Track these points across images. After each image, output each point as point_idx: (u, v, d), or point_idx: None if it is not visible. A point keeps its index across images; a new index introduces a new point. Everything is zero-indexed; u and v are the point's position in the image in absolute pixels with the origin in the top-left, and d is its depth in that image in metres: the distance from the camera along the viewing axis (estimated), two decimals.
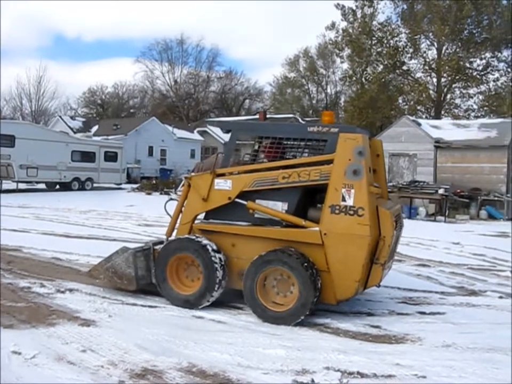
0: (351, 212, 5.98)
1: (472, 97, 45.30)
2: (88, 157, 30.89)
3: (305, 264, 5.97)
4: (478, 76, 43.89)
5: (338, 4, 45.97)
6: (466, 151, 22.61)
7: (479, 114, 43.23)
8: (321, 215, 6.19)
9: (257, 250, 6.32)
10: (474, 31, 43.37)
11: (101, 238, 12.15)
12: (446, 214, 20.31)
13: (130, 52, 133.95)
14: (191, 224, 6.88)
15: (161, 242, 7.17)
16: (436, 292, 7.79)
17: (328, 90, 67.84)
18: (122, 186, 33.96)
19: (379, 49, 45.78)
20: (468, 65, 43.62)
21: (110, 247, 10.73)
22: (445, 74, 43.37)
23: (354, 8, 46.12)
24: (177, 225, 7.11)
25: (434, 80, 44.83)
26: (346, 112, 50.65)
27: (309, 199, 6.61)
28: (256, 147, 6.94)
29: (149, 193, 29.48)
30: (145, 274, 6.87)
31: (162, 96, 73.22)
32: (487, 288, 8.18)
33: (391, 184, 21.89)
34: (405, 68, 45.65)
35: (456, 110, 45.45)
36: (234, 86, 75.94)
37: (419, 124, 24.35)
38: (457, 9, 40.54)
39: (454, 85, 44.83)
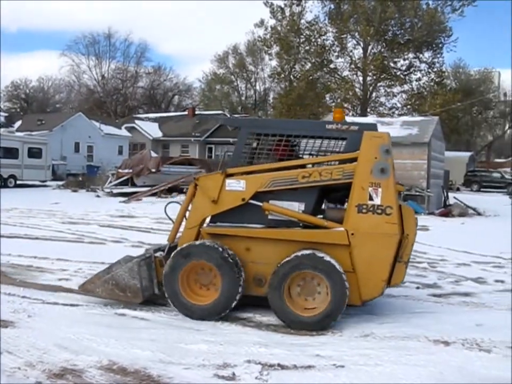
0: (379, 211, 5.85)
1: (396, 96, 47.00)
2: (10, 153, 29.93)
3: (338, 266, 5.77)
4: (401, 76, 45.51)
5: (267, 2, 46.51)
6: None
7: (403, 112, 44.76)
8: (345, 215, 6.02)
9: (275, 253, 6.06)
10: (397, 33, 44.94)
11: (22, 236, 11.83)
12: None
13: (56, 45, 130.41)
14: (198, 229, 6.37)
15: (160, 249, 6.63)
16: None
17: (257, 87, 68.52)
18: (48, 183, 32.92)
19: (307, 47, 46.62)
20: (392, 65, 45.15)
21: (32, 246, 10.57)
22: (370, 73, 44.65)
23: (282, 6, 46.72)
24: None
25: (360, 78, 46.08)
26: (274, 109, 51.26)
27: (323, 199, 6.53)
28: (268, 145, 6.46)
29: (75, 191, 28.79)
30: (148, 285, 6.27)
31: (89, 91, 71.67)
32: (406, 280, 8.47)
33: None
34: (332, 66, 46.70)
35: (381, 108, 46.91)
36: (163, 81, 75.23)
37: None
38: (382, 10, 41.82)
39: (379, 84, 46.24)
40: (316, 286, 5.91)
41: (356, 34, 44.94)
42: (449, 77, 54.63)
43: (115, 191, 26.40)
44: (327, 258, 5.77)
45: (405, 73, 45.72)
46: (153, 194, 24.96)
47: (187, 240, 6.29)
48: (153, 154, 32.82)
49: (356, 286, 5.89)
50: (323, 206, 6.87)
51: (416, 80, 45.95)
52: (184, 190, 24.89)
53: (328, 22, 46.26)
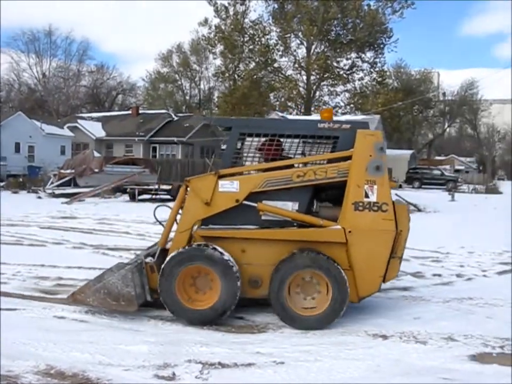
0: (375, 208, 5.90)
1: (339, 95, 47.84)
2: None
3: (337, 264, 5.80)
4: (344, 75, 46.23)
5: (211, 0, 46.36)
6: None
7: (346, 111, 45.51)
8: (340, 213, 6.02)
9: (271, 254, 6.02)
10: (340, 33, 45.64)
11: None
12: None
13: None
14: (191, 232, 6.20)
15: (150, 255, 6.43)
16: None
17: (202, 86, 68.24)
18: None
19: (251, 47, 46.79)
20: (335, 64, 45.81)
21: None
22: (314, 73, 45.18)
23: (226, 5, 46.76)
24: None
25: (304, 77, 46.67)
26: (219, 108, 51.20)
27: (315, 198, 6.48)
28: (260, 145, 6.43)
29: (16, 192, 27.99)
30: (140, 292, 6.02)
31: (30, 90, 69.68)
32: None
33: None
34: (276, 65, 47.00)
35: (324, 107, 47.35)
36: (106, 80, 73.92)
37: None
38: (324, 11, 42.39)
39: (322, 83, 46.89)
40: (316, 285, 5.92)
41: (300, 34, 45.43)
42: (391, 77, 55.85)
43: (57, 192, 25.80)
44: (328, 257, 5.81)
45: (348, 72, 46.57)
46: (96, 195, 24.55)
47: (179, 244, 6.13)
48: (96, 154, 32.28)
49: (353, 283, 5.93)
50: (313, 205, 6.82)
51: (358, 80, 46.99)
52: (128, 190, 24.64)
53: (272, 22, 46.68)
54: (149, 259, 6.23)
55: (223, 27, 47.25)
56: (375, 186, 5.90)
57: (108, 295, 5.95)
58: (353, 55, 46.21)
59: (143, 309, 6.27)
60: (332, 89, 47.48)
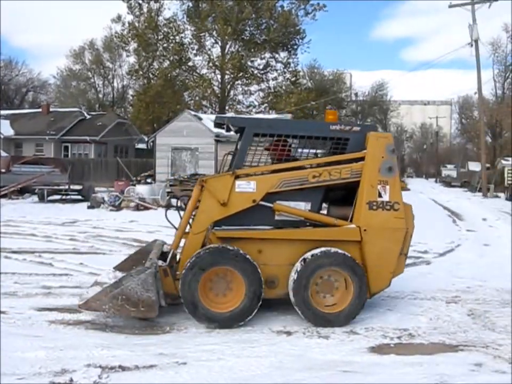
0: (388, 207, 6.14)
1: (253, 94, 48.15)
2: None
3: (358, 262, 5.98)
4: (258, 75, 46.60)
5: None
6: None
7: (260, 110, 45.89)
8: (352, 212, 6.20)
9: (287, 254, 6.08)
10: (254, 33, 45.89)
11: None
12: None
13: None
14: (206, 233, 6.06)
15: (161, 258, 6.29)
16: None
17: (115, 84, 66.68)
18: None
19: (165, 45, 46.30)
20: (249, 64, 46.06)
21: None
22: (228, 72, 45.24)
23: (140, 2, 45.98)
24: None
25: (219, 76, 46.56)
26: (133, 106, 50.38)
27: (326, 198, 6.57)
28: (274, 145, 6.37)
29: None
30: (157, 297, 5.78)
31: None
32: None
33: (173, 177, 22.26)
34: (190, 64, 46.73)
35: (239, 106, 47.75)
36: (15, 76, 70.83)
37: (200, 119, 25.02)
38: (239, 11, 42.57)
39: (236, 82, 47.01)
40: (334, 282, 6.01)
41: (214, 33, 45.36)
42: (305, 77, 56.76)
43: None
44: (350, 255, 5.94)
45: (262, 72, 46.98)
46: (3, 196, 23.51)
47: (194, 246, 6.01)
48: (3, 153, 30.96)
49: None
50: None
51: (272, 79, 47.44)
52: (37, 191, 23.77)
53: (187, 20, 46.32)
54: (160, 262, 6.08)
55: (136, 24, 46.41)
56: (388, 186, 6.17)
57: (127, 301, 5.67)
58: (267, 55, 46.63)
59: (43, 313, 6.05)
60: (246, 88, 47.81)
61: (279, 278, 6.09)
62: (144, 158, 38.58)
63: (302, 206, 6.26)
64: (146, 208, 20.43)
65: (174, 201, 21.43)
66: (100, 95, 67.03)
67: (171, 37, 46.07)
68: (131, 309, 5.68)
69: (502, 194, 35.32)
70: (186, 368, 4.64)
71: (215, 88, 46.32)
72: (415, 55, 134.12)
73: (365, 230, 6.09)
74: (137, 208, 20.33)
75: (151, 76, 48.17)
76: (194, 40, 46.01)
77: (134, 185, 22.70)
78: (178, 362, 4.76)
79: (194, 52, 46.59)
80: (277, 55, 46.85)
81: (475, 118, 61.45)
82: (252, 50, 45.22)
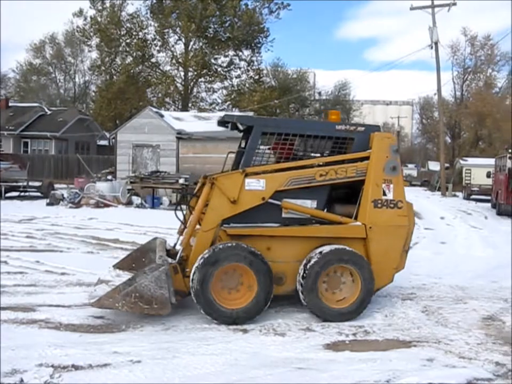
0: (392, 205, 6.37)
1: (216, 92, 47.96)
2: None
3: (365, 259, 6.17)
4: (222, 72, 46.45)
5: None
6: (206, 142, 23.69)
7: (223, 108, 45.77)
8: (356, 210, 6.39)
9: (295, 251, 6.22)
10: (218, 30, 45.69)
11: None
12: (188, 202, 20.85)
13: None
14: (216, 231, 6.11)
15: (172, 254, 6.45)
16: None
17: (77, 80, 65.67)
18: None
19: (128, 41, 45.78)
20: (213, 61, 45.86)
21: None
22: (191, 69, 44.96)
23: None
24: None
25: (182, 74, 46.27)
26: (95, 102, 49.72)
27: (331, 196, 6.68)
28: (281, 144, 6.46)
29: None
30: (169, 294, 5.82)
31: None
32: None
33: (134, 175, 22.04)
34: (153, 60, 46.31)
35: (202, 103, 47.49)
36: None
37: (162, 116, 24.80)
38: (203, 8, 42.30)
39: (200, 79, 46.76)
40: (341, 278, 6.20)
41: (178, 29, 44.98)
42: (268, 75, 56.79)
43: None
44: (357, 251, 6.17)
45: (225, 70, 46.84)
46: None
47: (204, 243, 6.06)
48: None
49: None
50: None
51: (236, 77, 47.34)
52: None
53: (150, 16, 45.86)
54: (170, 260, 6.16)
55: (99, 19, 45.72)
56: (391, 185, 6.41)
57: (140, 298, 5.66)
58: (231, 52, 46.51)
59: None
60: (209, 86, 47.60)
61: (286, 274, 6.22)
62: (106, 155, 38.11)
63: (308, 204, 6.44)
64: (107, 206, 20.19)
65: (134, 198, 21.28)
66: (61, 90, 65.91)
67: (134, 33, 45.58)
68: (144, 306, 5.68)
69: (460, 194, 36.06)
70: (141, 366, 4.60)
71: (178, 85, 46.03)
72: (378, 56, 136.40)
73: (370, 228, 6.32)
74: (97, 205, 20.08)
75: (113, 71, 47.59)
76: (157, 37, 45.57)
77: (95, 182, 22.41)
78: (132, 360, 4.71)
79: (158, 48, 46.19)
80: (240, 53, 46.81)
81: (435, 119, 62.42)
82: (216, 47, 45.04)
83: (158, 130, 23.68)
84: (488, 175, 27.62)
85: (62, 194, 21.35)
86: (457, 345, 5.35)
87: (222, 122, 6.93)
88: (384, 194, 6.39)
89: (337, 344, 5.35)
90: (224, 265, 5.84)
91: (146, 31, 45.90)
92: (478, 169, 35.87)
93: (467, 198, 33.15)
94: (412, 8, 35.68)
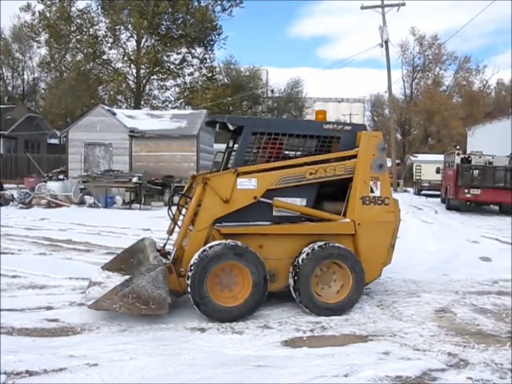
0: (379, 202, 6.55)
1: (169, 89, 47.64)
2: None
3: (355, 254, 6.36)
4: (174, 70, 46.14)
5: None
6: (160, 141, 23.56)
7: (176, 106, 45.53)
8: (344, 207, 6.57)
9: (287, 248, 6.35)
10: (171, 27, 45.37)
11: None
12: (141, 201, 20.92)
13: None
14: (209, 230, 6.17)
15: (162, 254, 6.53)
16: None
17: (26, 76, 64.06)
18: None
19: (78, 37, 44.98)
20: (165, 58, 45.53)
21: None
22: (143, 66, 44.53)
23: None
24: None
25: (134, 71, 45.75)
26: (45, 100, 48.69)
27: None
28: (271, 144, 6.55)
29: None
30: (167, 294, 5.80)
31: None
32: None
33: (86, 174, 21.71)
34: (105, 57, 45.64)
35: (154, 101, 47.09)
36: None
37: (114, 114, 24.48)
38: (155, 5, 41.94)
39: (152, 77, 46.34)
40: (332, 274, 6.36)
41: (129, 26, 44.46)
42: (221, 73, 56.67)
43: None
44: (347, 247, 6.35)
45: (178, 67, 46.56)
46: None
47: (197, 243, 6.11)
48: None
49: None
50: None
51: (188, 75, 47.13)
52: None
53: (101, 12, 45.14)
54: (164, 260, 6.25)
55: (48, 14, 44.71)
56: (379, 182, 6.58)
57: (137, 299, 5.65)
58: (184, 50, 46.24)
59: None
60: (162, 83, 47.19)
61: (279, 271, 6.34)
62: (57, 154, 37.37)
63: (298, 202, 6.55)
64: (59, 206, 19.82)
65: (87, 198, 20.96)
66: (9, 88, 64.17)
67: (85, 29, 44.82)
68: (142, 307, 5.68)
69: (410, 189, 36.82)
70: (98, 369, 4.52)
71: (131, 82, 45.53)
72: (330, 53, 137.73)
73: (358, 224, 6.47)
74: (49, 205, 19.69)
75: (63, 68, 46.69)
76: (109, 33, 44.95)
77: (46, 181, 21.96)
78: (89, 364, 4.62)
79: (109, 45, 45.57)
80: (193, 51, 46.62)
81: (386, 116, 63.56)
82: (168, 45, 44.74)
83: (110, 129, 23.38)
84: (438, 171, 28.35)
85: (12, 195, 20.85)
86: (412, 338, 5.47)
87: (211, 123, 7.09)
88: (372, 191, 6.57)
89: (295, 341, 5.38)
90: (219, 263, 5.91)
91: (97, 27, 45.28)
92: (428, 165, 36.69)
93: (418, 193, 33.94)
94: (363, 8, 36.19)
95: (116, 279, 6.50)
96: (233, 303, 5.97)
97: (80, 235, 12.21)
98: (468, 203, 22.59)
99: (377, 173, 6.60)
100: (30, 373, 4.43)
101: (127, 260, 7.12)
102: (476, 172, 21.58)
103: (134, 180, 20.25)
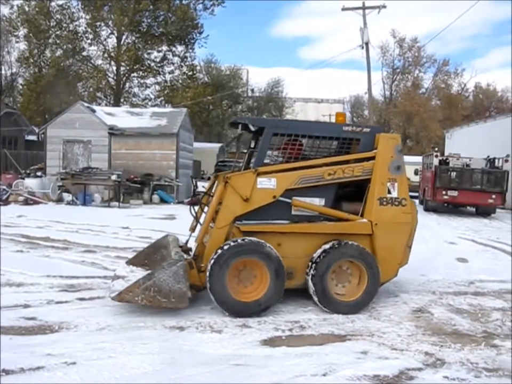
0: (396, 203, 6.67)
1: (149, 87, 47.30)
2: None
3: (372, 254, 6.49)
4: (155, 67, 45.88)
5: None
6: (139, 138, 23.43)
7: (156, 104, 45.25)
8: (362, 207, 6.68)
9: (304, 247, 6.50)
10: (152, 25, 45.07)
11: None
12: (120, 199, 20.79)
13: None
14: (229, 227, 6.36)
15: (184, 250, 6.79)
16: (99, 277, 7.80)
17: (3, 72, 63.19)
18: None
19: (58, 32, 44.45)
20: (146, 56, 45.25)
21: None
22: (124, 63, 44.16)
23: None
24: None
25: (114, 68, 45.32)
26: (23, 96, 48.10)
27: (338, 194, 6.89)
28: (292, 145, 6.71)
29: None
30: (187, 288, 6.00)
31: None
32: None
33: (64, 171, 21.53)
34: (84, 53, 45.19)
35: (134, 99, 46.78)
36: None
37: (93, 111, 24.26)
38: (136, 2, 41.64)
39: (132, 74, 45.99)
40: (348, 272, 6.51)
41: (110, 23, 44.04)
42: (202, 71, 56.54)
43: None
44: (364, 247, 6.48)
45: (159, 65, 46.25)
46: None
47: (218, 239, 6.29)
48: None
49: None
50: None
51: (169, 73, 46.77)
52: None
53: (81, 8, 44.62)
54: (185, 255, 6.49)
55: (26, 8, 44.14)
56: (396, 184, 6.71)
57: (158, 292, 5.89)
58: (164, 48, 45.88)
59: None
60: (142, 81, 46.80)
61: (296, 269, 6.49)
62: (35, 151, 36.93)
63: (317, 202, 6.69)
64: (36, 203, 19.65)
65: (65, 195, 20.78)
66: None
67: (64, 25, 44.28)
68: (162, 300, 5.90)
69: None
70: (76, 368, 4.50)
71: (110, 79, 45.15)
72: (311, 54, 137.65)
73: (376, 224, 6.60)
74: (27, 202, 19.51)
75: (42, 64, 46.07)
76: (89, 30, 44.43)
77: (23, 178, 21.74)
78: (67, 362, 4.60)
79: (89, 41, 44.99)
80: (174, 49, 46.30)
81: (365, 117, 63.93)
82: (149, 42, 44.43)
83: (90, 126, 23.18)
84: (416, 173, 28.60)
85: None
86: (390, 338, 5.54)
87: (234, 124, 7.35)
88: (389, 192, 6.69)
89: (274, 340, 5.41)
90: (239, 260, 6.11)
91: (77, 23, 44.67)
92: (406, 166, 36.69)
93: None
94: (344, 9, 36.30)
95: (139, 273, 6.72)
96: (251, 299, 6.14)
97: (58, 233, 12.10)
98: (446, 205, 22.86)
99: (394, 175, 6.74)
100: (6, 372, 4.39)
101: (151, 255, 7.37)
102: (453, 174, 21.82)
103: (113, 177, 20.11)
